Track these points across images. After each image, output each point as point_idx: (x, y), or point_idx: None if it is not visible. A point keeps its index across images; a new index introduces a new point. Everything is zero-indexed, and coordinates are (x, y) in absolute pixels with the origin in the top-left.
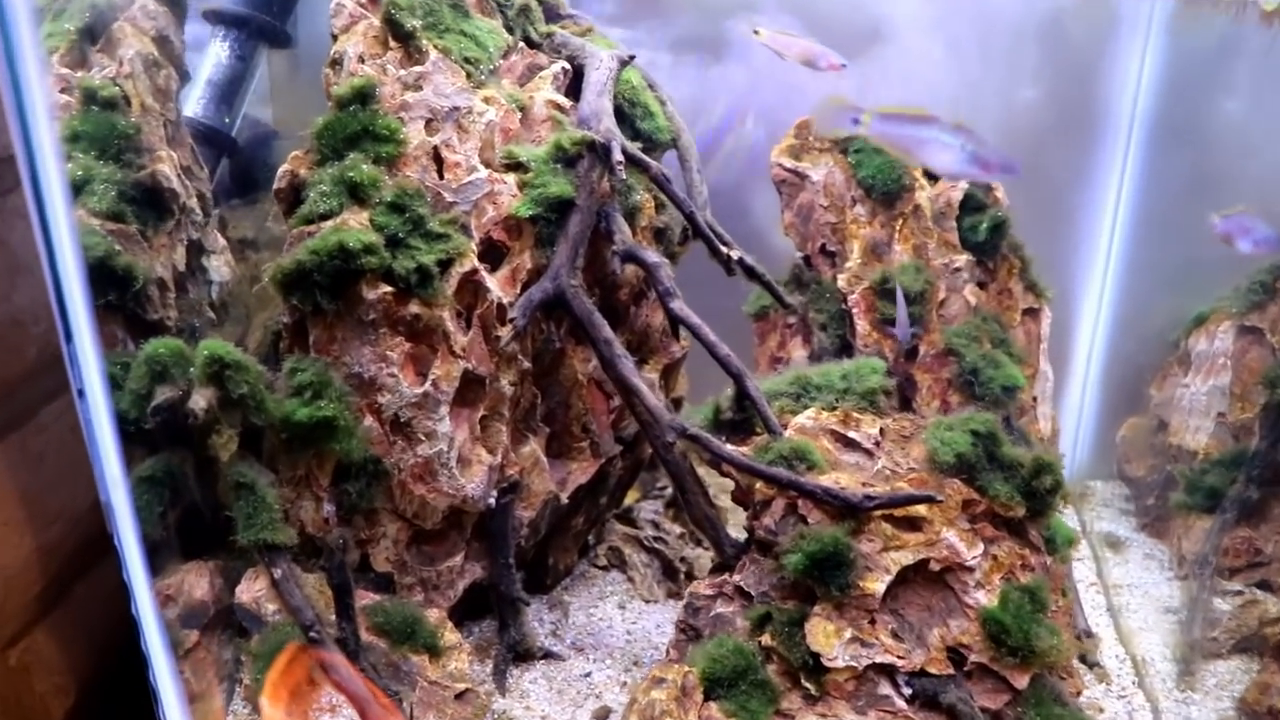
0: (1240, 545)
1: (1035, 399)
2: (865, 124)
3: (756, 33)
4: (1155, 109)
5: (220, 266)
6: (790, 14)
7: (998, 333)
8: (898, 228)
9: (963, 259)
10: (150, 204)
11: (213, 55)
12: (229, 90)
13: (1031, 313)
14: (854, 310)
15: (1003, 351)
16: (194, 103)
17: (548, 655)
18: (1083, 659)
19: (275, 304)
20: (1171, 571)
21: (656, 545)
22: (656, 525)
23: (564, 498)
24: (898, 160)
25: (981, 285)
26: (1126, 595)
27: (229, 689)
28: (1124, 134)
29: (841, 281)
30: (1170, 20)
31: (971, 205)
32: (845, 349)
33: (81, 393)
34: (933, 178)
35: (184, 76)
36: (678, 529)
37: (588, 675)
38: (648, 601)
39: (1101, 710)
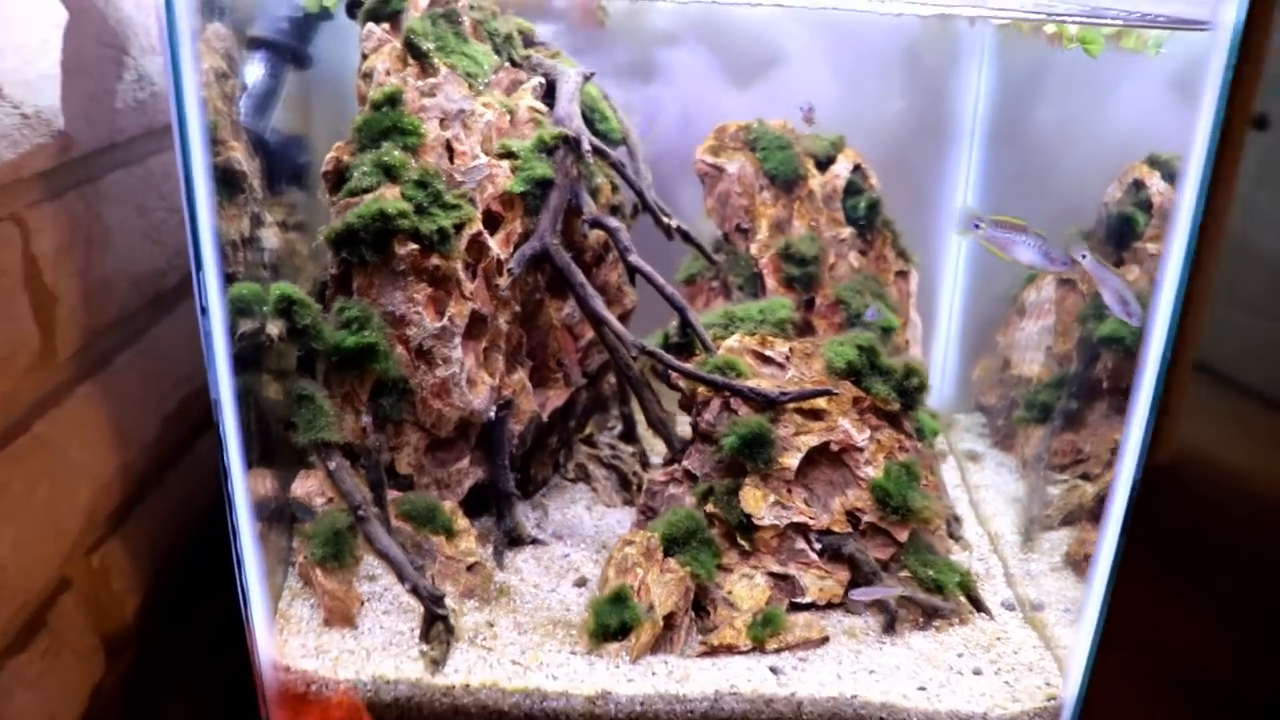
0: (1066, 447)
1: (908, 341)
2: (984, 227)
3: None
4: (990, 117)
5: (270, 237)
6: (706, 46)
7: (876, 288)
8: (796, 208)
9: (847, 231)
10: (225, 182)
11: (252, 73)
12: (264, 102)
13: (902, 274)
14: (764, 271)
15: (881, 302)
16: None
17: (535, 542)
18: (951, 535)
19: (309, 266)
20: (1017, 474)
21: (614, 462)
22: (613, 448)
23: (544, 417)
24: (795, 155)
25: (862, 253)
26: (984, 493)
27: (285, 569)
28: (968, 137)
29: (754, 250)
30: (998, 46)
31: (853, 190)
32: None
33: (205, 310)
34: (822, 167)
35: (243, 87)
36: (630, 450)
37: (567, 555)
38: (608, 506)
39: (974, 574)
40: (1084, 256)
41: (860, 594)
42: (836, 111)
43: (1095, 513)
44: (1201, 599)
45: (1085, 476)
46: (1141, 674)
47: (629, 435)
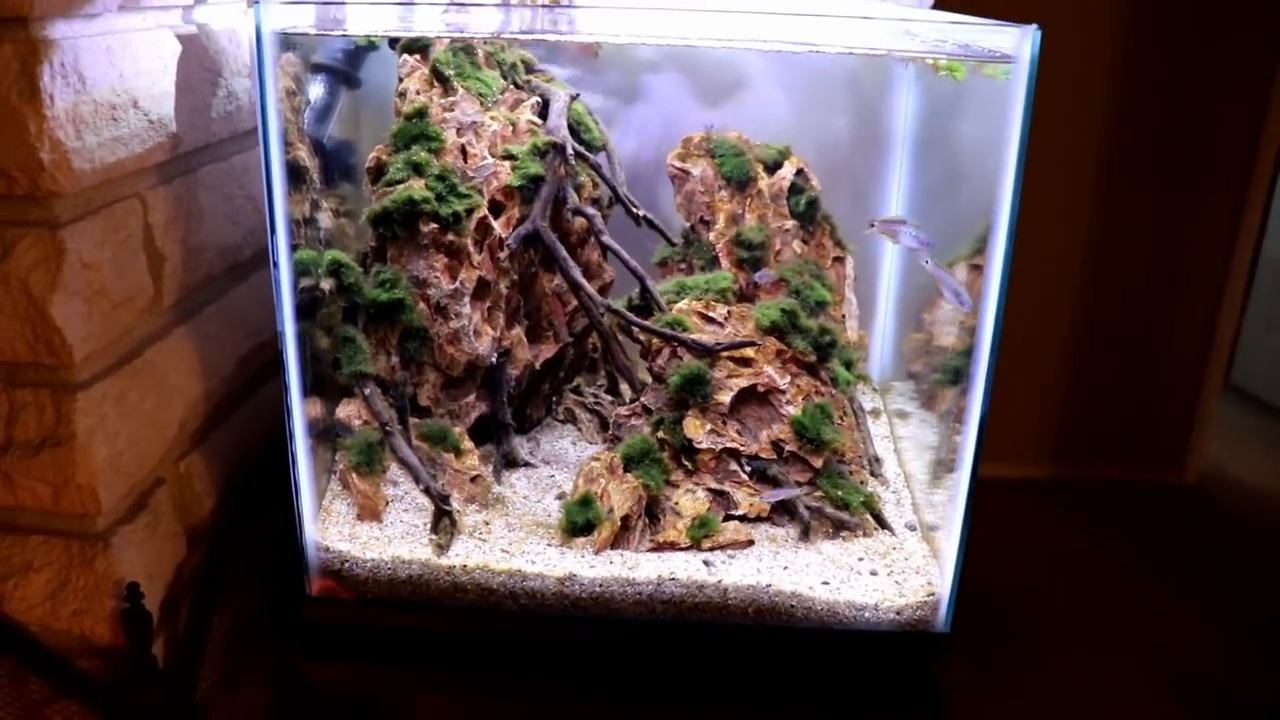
0: None
1: (844, 315)
2: (877, 226)
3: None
4: (917, 132)
5: (325, 219)
6: (682, 73)
7: (815, 270)
8: (748, 204)
9: (790, 224)
10: (292, 174)
11: (314, 92)
12: (323, 115)
13: (839, 260)
14: (720, 255)
15: (818, 281)
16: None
17: (527, 464)
18: (873, 474)
19: (354, 244)
20: (934, 428)
21: (596, 408)
22: (596, 397)
23: (537, 366)
24: (747, 161)
25: (804, 241)
26: (907, 443)
27: (328, 476)
28: (899, 148)
29: (713, 238)
30: (920, 72)
31: (796, 189)
32: None
33: (276, 264)
34: (770, 171)
35: (307, 102)
36: (611, 399)
37: (552, 476)
38: (590, 443)
39: (881, 498)
40: (927, 262)
41: (769, 496)
42: (789, 127)
43: None
44: (1221, 616)
45: None
46: (1150, 684)
47: (612, 389)
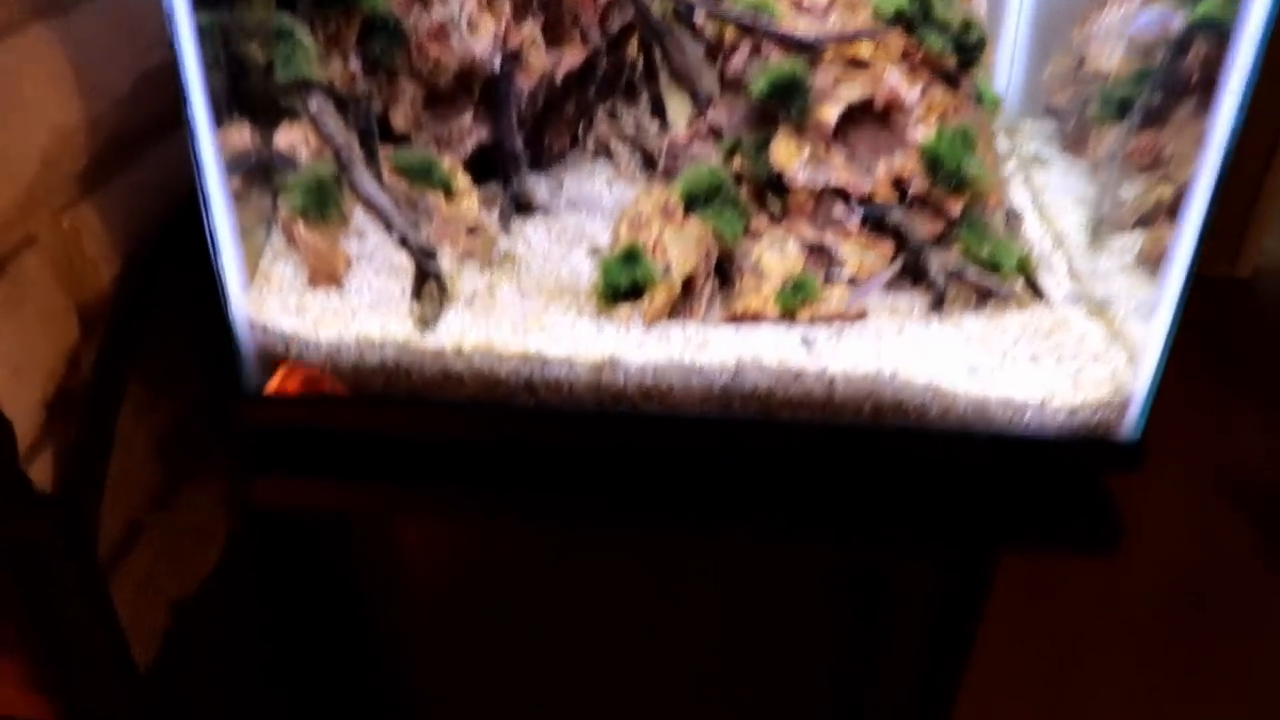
0: (1146, 146)
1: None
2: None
3: None
4: None
5: None
6: None
7: None
8: None
9: None
10: None
11: None
12: None
13: None
14: None
15: None
16: None
17: (545, 211)
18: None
19: None
20: (1087, 177)
21: (638, 138)
22: (638, 124)
23: (558, 78)
24: None
25: None
26: (1049, 195)
27: (266, 230)
28: None
29: None
30: None
31: None
32: None
33: None
34: None
35: None
36: (655, 127)
37: (581, 226)
38: (630, 183)
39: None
40: None
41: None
42: None
43: (1177, 211)
44: (1272, 410)
45: (1166, 179)
46: (1194, 474)
47: (658, 114)
